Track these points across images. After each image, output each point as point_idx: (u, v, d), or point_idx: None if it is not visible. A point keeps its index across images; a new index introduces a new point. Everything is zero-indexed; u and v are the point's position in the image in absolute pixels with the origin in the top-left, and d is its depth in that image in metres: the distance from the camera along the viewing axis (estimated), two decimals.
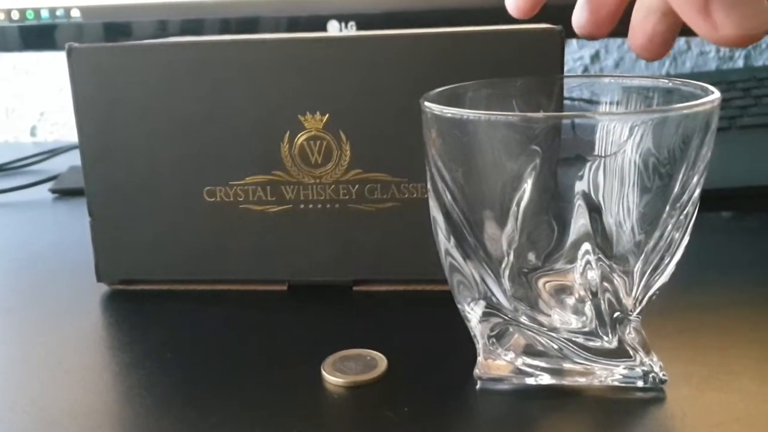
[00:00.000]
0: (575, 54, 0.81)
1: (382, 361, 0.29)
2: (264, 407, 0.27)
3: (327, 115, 0.35)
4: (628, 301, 0.26)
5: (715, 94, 0.25)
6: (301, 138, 0.35)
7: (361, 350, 0.30)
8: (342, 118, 0.35)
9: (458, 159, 0.25)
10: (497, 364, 0.28)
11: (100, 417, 0.27)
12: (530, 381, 0.27)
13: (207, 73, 0.35)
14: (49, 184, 0.59)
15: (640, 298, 0.26)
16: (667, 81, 0.28)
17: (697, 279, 0.37)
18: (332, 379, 0.29)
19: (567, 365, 0.27)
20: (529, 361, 0.27)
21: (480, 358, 0.28)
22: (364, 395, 0.28)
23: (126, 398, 0.28)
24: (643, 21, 0.26)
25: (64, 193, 0.58)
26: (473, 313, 0.27)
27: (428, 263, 0.36)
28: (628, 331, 0.26)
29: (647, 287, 0.26)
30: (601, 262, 0.25)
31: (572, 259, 0.25)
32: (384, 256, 0.36)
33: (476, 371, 0.28)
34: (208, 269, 0.37)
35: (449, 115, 0.24)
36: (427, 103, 0.25)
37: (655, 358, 0.27)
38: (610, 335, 0.26)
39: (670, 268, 0.27)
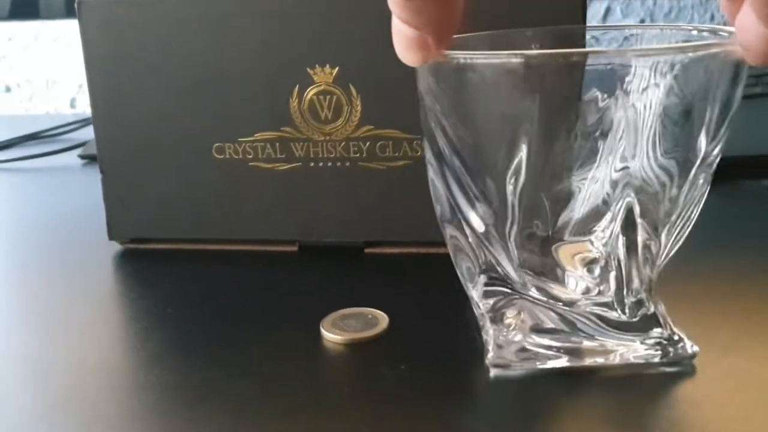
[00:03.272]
0: (619, 23, 0.78)
1: (383, 320, 0.28)
2: (257, 361, 0.26)
3: (337, 67, 0.34)
4: (652, 270, 0.24)
5: None
6: (310, 92, 0.34)
7: (363, 309, 0.29)
8: (352, 71, 0.34)
9: (455, 108, 0.23)
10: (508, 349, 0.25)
11: (94, 368, 0.27)
12: (542, 365, 0.25)
13: (215, 25, 0.34)
14: (79, 150, 0.60)
15: (660, 265, 0.24)
16: (694, 29, 0.25)
17: (722, 244, 0.35)
18: (330, 336, 0.28)
19: (585, 343, 0.25)
20: (538, 340, 0.25)
21: (492, 348, 0.25)
22: (361, 353, 0.27)
23: (122, 351, 0.28)
24: None
25: (93, 159, 0.58)
26: (475, 291, 0.25)
27: None
28: (652, 300, 0.24)
29: (668, 253, 0.24)
30: (631, 228, 0.23)
31: (594, 223, 0.23)
32: (396, 217, 0.35)
33: (489, 358, 0.25)
34: (218, 228, 0.37)
35: (441, 59, 0.22)
36: None
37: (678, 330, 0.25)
38: (634, 306, 0.24)
39: (684, 234, 0.25)
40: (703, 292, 0.30)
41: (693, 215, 0.24)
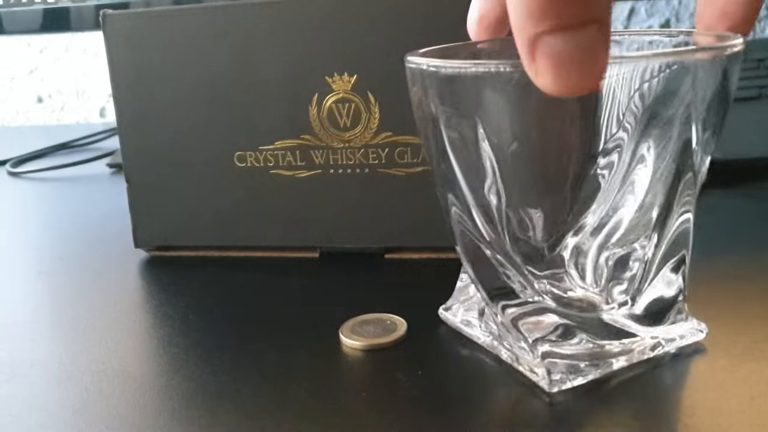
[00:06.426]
0: (644, 23, 0.77)
1: (401, 326, 0.29)
2: (276, 367, 0.27)
3: (355, 75, 0.34)
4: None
5: (737, 39, 0.21)
6: (329, 100, 0.35)
7: (381, 314, 0.30)
8: (370, 78, 0.34)
9: (459, 121, 0.23)
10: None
11: (116, 373, 0.27)
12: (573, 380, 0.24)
13: (236, 36, 0.35)
14: (107, 159, 0.61)
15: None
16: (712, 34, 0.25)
17: (744, 247, 0.34)
18: (348, 341, 0.28)
19: (605, 345, 0.24)
20: (560, 350, 0.24)
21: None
22: (379, 358, 0.27)
23: (145, 356, 0.28)
24: None
25: (121, 168, 0.59)
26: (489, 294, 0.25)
27: None
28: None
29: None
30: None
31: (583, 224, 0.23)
32: (415, 222, 0.35)
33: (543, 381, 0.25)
34: (240, 235, 0.37)
35: (433, 69, 0.22)
36: (411, 58, 0.23)
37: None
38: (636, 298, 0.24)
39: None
40: (724, 295, 0.30)
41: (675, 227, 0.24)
